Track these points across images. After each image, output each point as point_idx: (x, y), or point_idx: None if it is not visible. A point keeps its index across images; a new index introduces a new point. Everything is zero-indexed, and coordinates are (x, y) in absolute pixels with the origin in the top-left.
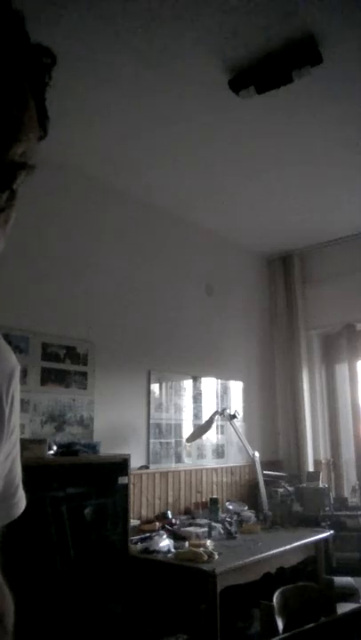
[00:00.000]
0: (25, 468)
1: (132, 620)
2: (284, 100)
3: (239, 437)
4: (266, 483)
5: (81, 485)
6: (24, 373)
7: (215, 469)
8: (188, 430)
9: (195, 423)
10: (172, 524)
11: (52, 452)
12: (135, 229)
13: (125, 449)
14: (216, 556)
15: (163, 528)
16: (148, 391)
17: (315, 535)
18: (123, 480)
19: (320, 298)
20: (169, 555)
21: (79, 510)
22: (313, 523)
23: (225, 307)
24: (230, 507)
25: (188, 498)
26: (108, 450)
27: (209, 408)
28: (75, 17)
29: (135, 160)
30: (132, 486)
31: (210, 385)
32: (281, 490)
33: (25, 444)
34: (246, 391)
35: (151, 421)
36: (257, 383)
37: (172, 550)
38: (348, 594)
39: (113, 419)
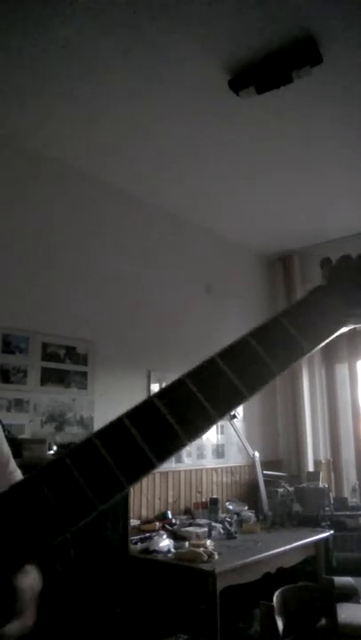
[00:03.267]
0: (25, 468)
1: (132, 620)
2: (284, 100)
3: (239, 437)
4: (266, 483)
5: None
6: (24, 373)
7: (215, 469)
8: None
9: None
10: (172, 524)
11: (52, 452)
12: (135, 229)
13: None
14: (216, 556)
15: (163, 528)
16: (149, 391)
17: (315, 535)
18: None
19: None
20: (169, 555)
21: None
22: (313, 523)
23: (225, 307)
24: (230, 507)
25: (188, 498)
26: None
27: None
28: (75, 17)
29: (135, 159)
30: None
31: None
32: (281, 490)
33: (25, 444)
34: None
35: None
36: None
37: (172, 550)
38: (348, 594)
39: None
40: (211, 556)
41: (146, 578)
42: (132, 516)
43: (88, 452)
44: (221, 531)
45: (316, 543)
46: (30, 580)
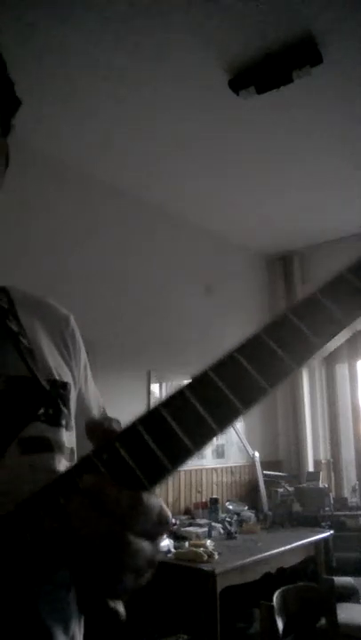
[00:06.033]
0: None
1: (132, 620)
2: (284, 100)
3: (239, 437)
4: (266, 483)
5: None
6: None
7: (215, 469)
8: None
9: None
10: (171, 524)
11: None
12: (135, 229)
13: None
14: (216, 556)
15: None
16: (148, 391)
17: (315, 535)
18: None
19: None
20: (169, 555)
21: None
22: (313, 523)
23: (225, 307)
24: (230, 507)
25: (188, 498)
26: None
27: None
28: (76, 16)
29: (135, 159)
30: None
31: None
32: (281, 490)
33: None
34: None
35: None
36: None
37: (172, 550)
38: (348, 594)
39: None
40: (211, 556)
41: None
42: None
43: (181, 403)
44: (221, 531)
45: (316, 543)
46: None
